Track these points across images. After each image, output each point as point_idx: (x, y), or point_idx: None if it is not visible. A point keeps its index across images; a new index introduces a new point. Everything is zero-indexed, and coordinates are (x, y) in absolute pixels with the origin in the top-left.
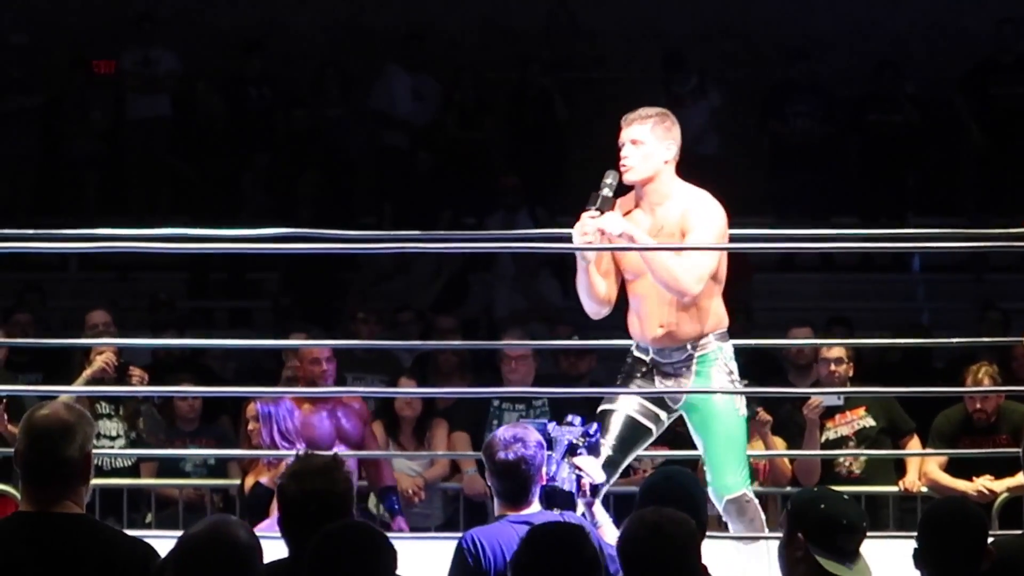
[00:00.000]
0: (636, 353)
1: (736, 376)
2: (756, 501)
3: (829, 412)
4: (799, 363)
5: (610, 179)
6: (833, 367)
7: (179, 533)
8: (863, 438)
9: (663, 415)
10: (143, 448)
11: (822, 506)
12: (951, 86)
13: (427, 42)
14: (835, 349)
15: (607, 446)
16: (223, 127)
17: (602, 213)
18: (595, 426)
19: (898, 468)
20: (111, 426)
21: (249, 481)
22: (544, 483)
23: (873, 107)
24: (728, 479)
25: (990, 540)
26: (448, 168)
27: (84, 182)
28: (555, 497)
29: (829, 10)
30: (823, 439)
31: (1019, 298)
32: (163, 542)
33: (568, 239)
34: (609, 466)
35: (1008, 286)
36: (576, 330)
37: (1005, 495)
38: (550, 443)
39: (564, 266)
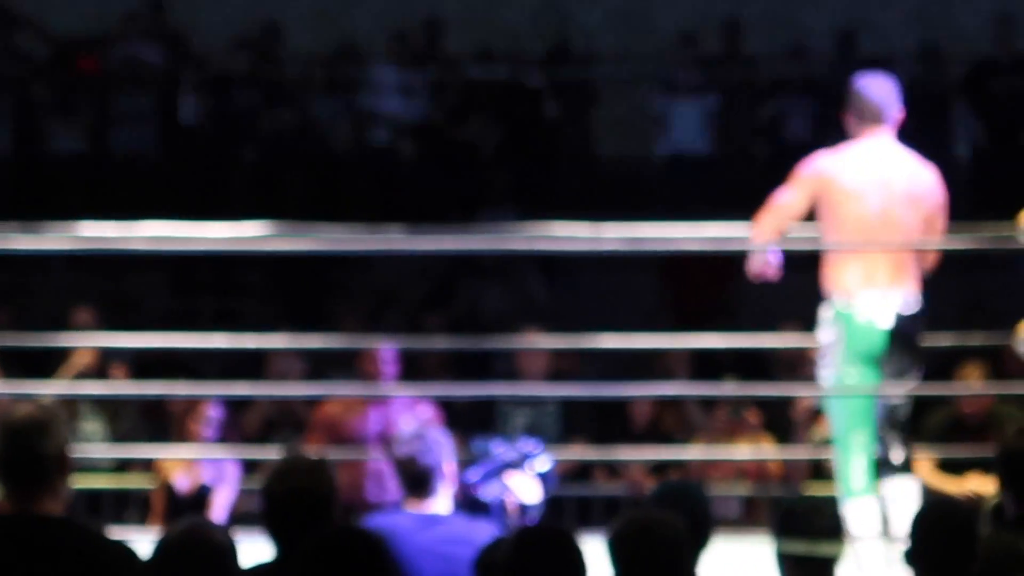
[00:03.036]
0: None
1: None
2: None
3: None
4: (786, 362)
5: None
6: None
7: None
8: None
9: None
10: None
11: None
12: (944, 86)
13: (415, 39)
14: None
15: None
16: (209, 125)
17: None
18: (539, 449)
19: None
20: (92, 426)
21: (181, 479)
22: (468, 491)
23: None
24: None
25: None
26: (436, 165)
27: (68, 181)
28: (474, 507)
29: (818, 9)
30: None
31: (1007, 298)
32: (146, 544)
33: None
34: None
35: (997, 286)
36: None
37: (996, 496)
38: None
39: (552, 265)
